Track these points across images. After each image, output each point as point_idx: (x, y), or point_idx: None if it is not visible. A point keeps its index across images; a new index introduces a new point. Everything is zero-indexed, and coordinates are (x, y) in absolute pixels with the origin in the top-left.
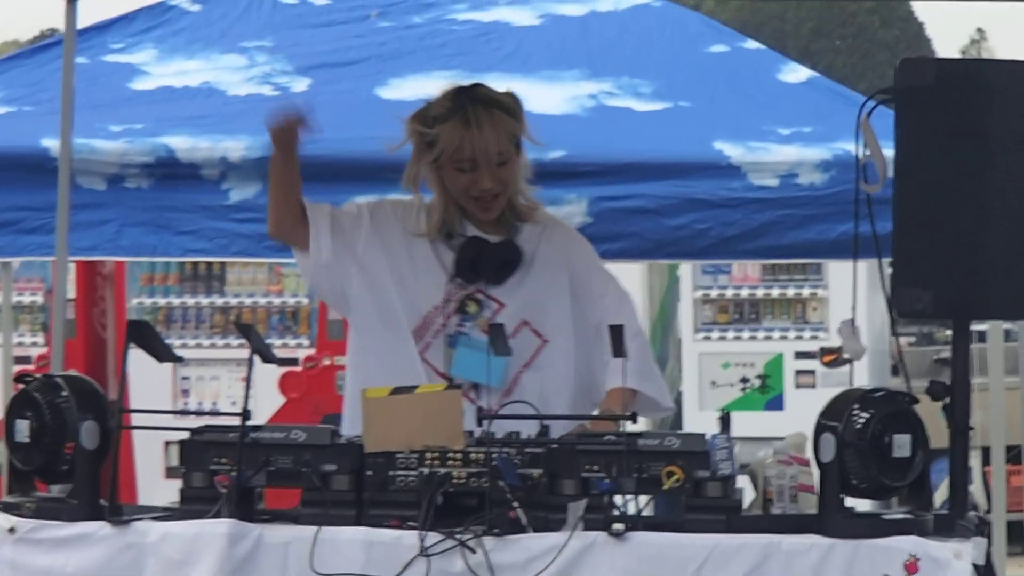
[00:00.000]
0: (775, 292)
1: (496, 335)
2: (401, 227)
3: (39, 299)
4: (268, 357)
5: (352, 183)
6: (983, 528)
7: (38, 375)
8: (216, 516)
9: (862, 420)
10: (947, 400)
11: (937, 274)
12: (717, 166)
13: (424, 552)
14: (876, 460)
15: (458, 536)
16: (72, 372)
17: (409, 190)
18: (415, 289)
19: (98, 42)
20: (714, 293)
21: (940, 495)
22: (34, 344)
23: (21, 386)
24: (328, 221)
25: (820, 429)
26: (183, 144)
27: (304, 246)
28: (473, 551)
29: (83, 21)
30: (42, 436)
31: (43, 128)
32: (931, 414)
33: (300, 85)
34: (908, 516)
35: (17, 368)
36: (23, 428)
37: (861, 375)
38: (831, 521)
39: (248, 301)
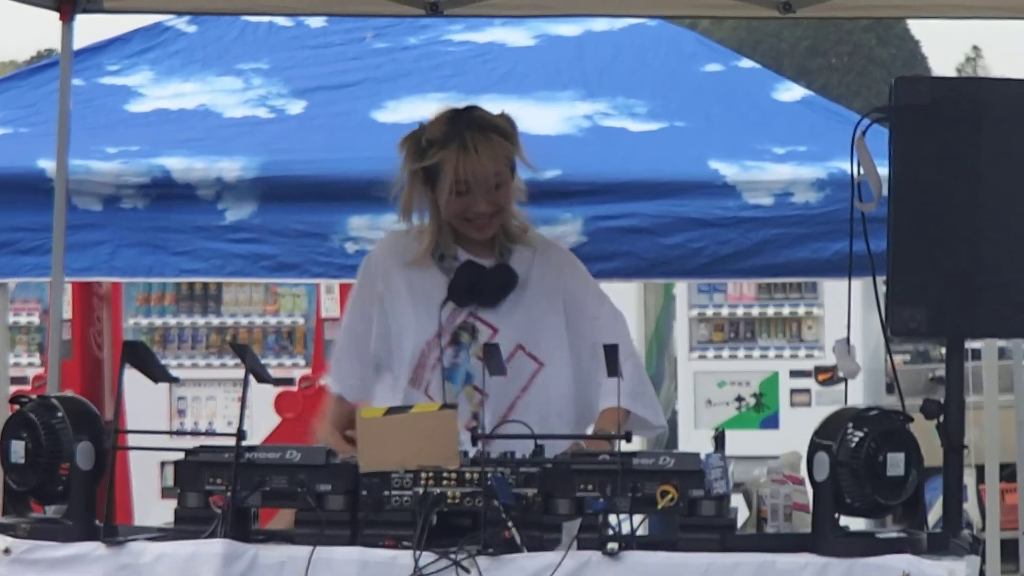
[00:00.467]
0: (770, 311)
1: (491, 355)
2: (395, 261)
3: (35, 320)
4: (263, 377)
5: (347, 202)
6: (977, 546)
7: (34, 396)
8: (211, 536)
9: (856, 439)
10: (941, 418)
11: (932, 293)
12: (712, 185)
13: (418, 572)
14: (870, 479)
15: (452, 556)
16: (68, 393)
17: (406, 221)
18: (413, 324)
19: (94, 63)
20: (709, 312)
21: (935, 513)
22: (30, 365)
23: (17, 407)
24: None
25: (814, 448)
26: (179, 165)
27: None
28: (468, 571)
29: (79, 42)
30: (38, 457)
31: (39, 149)
32: (925, 432)
33: (296, 107)
34: (902, 534)
35: (13, 389)
36: (19, 449)
37: (856, 394)
38: (825, 540)
39: (244, 321)
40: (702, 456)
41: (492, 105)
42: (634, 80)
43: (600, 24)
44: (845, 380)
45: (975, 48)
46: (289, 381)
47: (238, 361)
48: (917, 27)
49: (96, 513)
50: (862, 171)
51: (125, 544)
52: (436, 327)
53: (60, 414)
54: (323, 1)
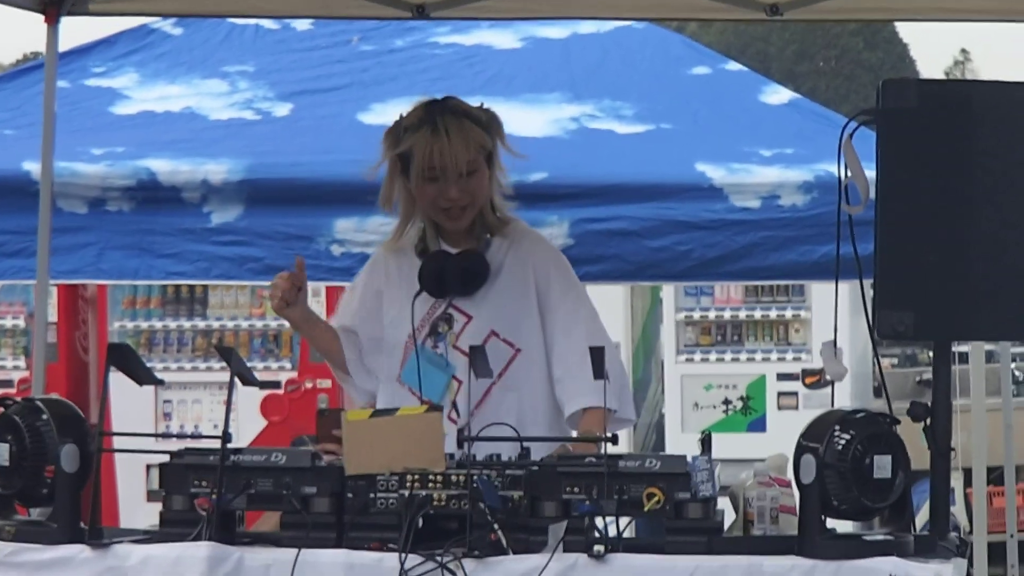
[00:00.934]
0: (757, 314)
1: (477, 357)
2: (392, 256)
3: (21, 323)
4: (249, 380)
5: (333, 205)
6: (964, 549)
7: (18, 399)
8: (196, 539)
9: (843, 441)
10: (928, 421)
11: (919, 296)
12: (699, 188)
13: (404, 575)
14: (857, 481)
15: (439, 558)
16: (53, 396)
17: (386, 210)
18: (397, 319)
19: (79, 66)
20: (696, 315)
21: (922, 517)
22: (16, 368)
23: (1, 409)
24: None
25: (801, 450)
26: (164, 167)
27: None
28: (454, 573)
29: (65, 44)
30: (22, 460)
31: (25, 152)
32: (913, 436)
33: (282, 110)
34: (889, 537)
35: None
36: (3, 452)
37: (843, 397)
38: (812, 542)
39: (230, 324)
40: (689, 459)
41: None
42: (621, 83)
43: (587, 27)
44: (832, 383)
45: (963, 51)
46: (275, 384)
47: (224, 364)
48: (905, 30)
49: (81, 516)
50: (849, 174)
51: (110, 546)
52: (412, 319)
53: (45, 417)
54: (309, 4)
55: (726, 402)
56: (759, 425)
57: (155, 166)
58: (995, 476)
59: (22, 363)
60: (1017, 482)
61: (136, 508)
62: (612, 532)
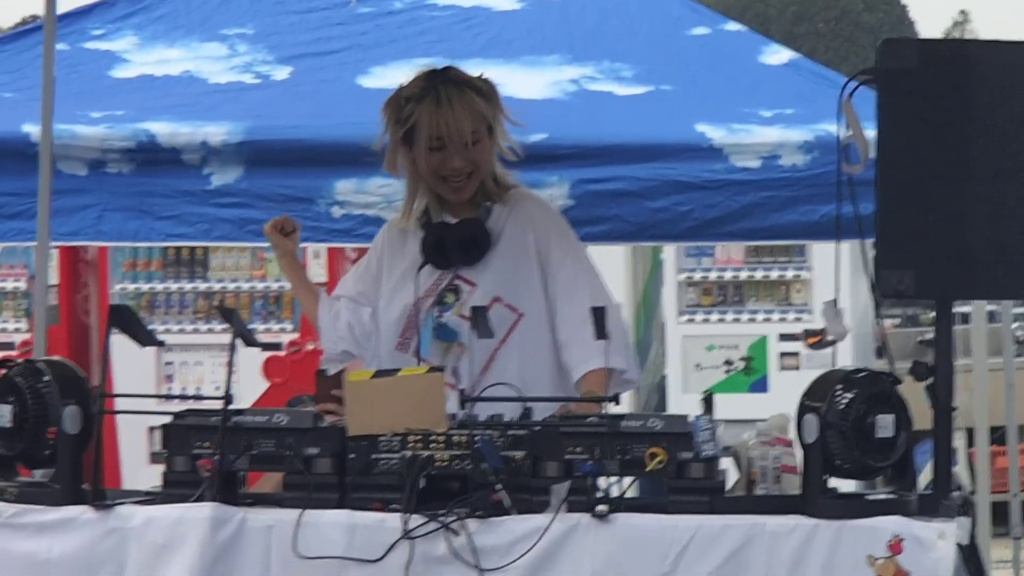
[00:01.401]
0: (759, 274)
1: (478, 318)
2: (397, 233)
3: (22, 285)
4: (251, 341)
5: (334, 166)
6: (967, 508)
7: (20, 360)
8: (199, 500)
9: (845, 401)
10: (930, 381)
11: (920, 255)
12: (699, 148)
13: (407, 535)
14: (859, 441)
15: (441, 519)
16: (55, 357)
17: (391, 173)
18: (400, 289)
19: (78, 28)
20: (698, 276)
21: (925, 477)
22: (17, 330)
23: (3, 371)
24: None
25: (803, 410)
26: (164, 129)
27: None
28: (456, 534)
29: (63, 7)
30: (24, 421)
31: (24, 114)
32: (915, 396)
33: (281, 74)
34: (892, 496)
35: (0, 354)
36: (5, 413)
37: (845, 357)
38: (815, 502)
39: (231, 286)
40: (691, 419)
41: (477, 70)
42: (620, 44)
43: None
44: (834, 343)
45: (963, 12)
46: (277, 346)
47: (225, 326)
48: None
49: (83, 477)
50: (849, 133)
51: (113, 508)
52: (416, 290)
53: (47, 378)
54: None
55: (728, 362)
56: (761, 385)
57: (155, 128)
58: (997, 436)
59: (23, 325)
60: (1020, 442)
61: (138, 470)
62: (614, 492)
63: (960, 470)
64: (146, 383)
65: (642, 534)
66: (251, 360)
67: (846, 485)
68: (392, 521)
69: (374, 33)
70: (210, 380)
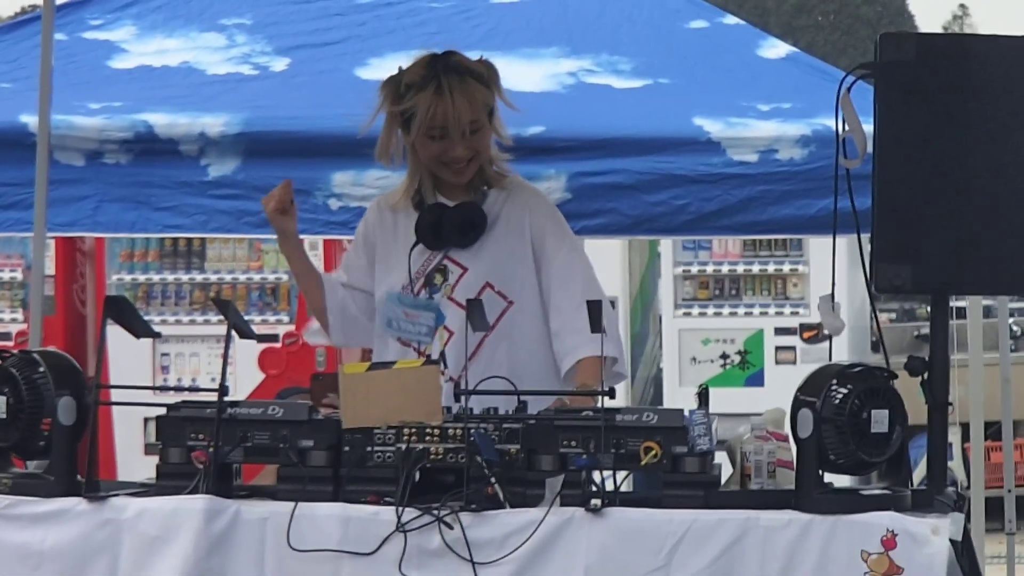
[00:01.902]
0: (755, 268)
1: (474, 310)
2: (388, 211)
3: (18, 275)
4: (246, 333)
5: (331, 158)
6: (961, 504)
7: (15, 351)
8: (193, 492)
9: (840, 395)
10: (926, 376)
11: (916, 250)
12: (696, 142)
13: (401, 528)
14: (854, 435)
15: (435, 512)
16: (50, 348)
17: (383, 163)
18: (392, 269)
19: (76, 18)
20: (694, 269)
21: (919, 471)
22: (13, 320)
23: None
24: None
25: (798, 405)
26: (162, 120)
27: None
28: (450, 527)
29: None
30: (19, 412)
31: (22, 104)
32: (910, 391)
33: (280, 65)
34: (886, 492)
35: None
36: (0, 404)
37: (841, 351)
38: (809, 497)
39: (228, 277)
40: (686, 412)
41: None
42: (618, 37)
43: None
44: (830, 337)
45: (962, 6)
46: (273, 338)
47: (221, 317)
48: None
49: (78, 468)
50: (847, 128)
51: (107, 499)
52: (408, 270)
53: (42, 369)
54: None
55: (724, 356)
56: (757, 379)
57: (152, 119)
58: (993, 431)
59: (20, 316)
60: (1015, 437)
61: (133, 461)
62: (609, 486)
63: (955, 465)
64: (142, 374)
65: (636, 528)
66: (247, 352)
67: (841, 480)
68: (386, 514)
69: (373, 24)
70: (206, 371)
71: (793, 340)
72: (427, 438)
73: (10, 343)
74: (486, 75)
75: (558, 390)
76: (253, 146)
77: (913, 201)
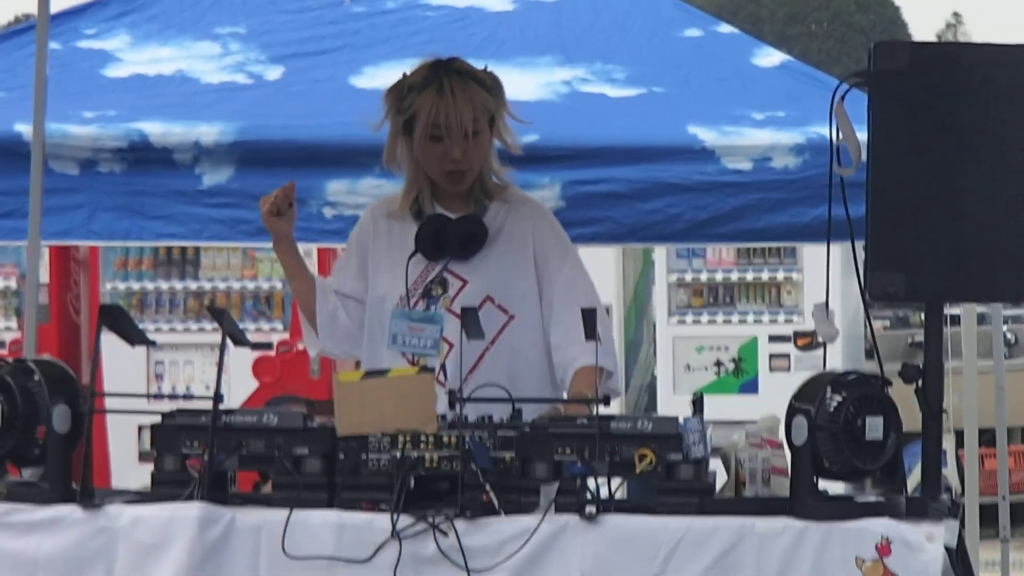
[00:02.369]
0: (749, 276)
1: (468, 319)
2: (383, 218)
3: (12, 284)
4: (240, 341)
5: (325, 167)
6: (956, 511)
7: (10, 359)
8: (188, 500)
9: (835, 403)
10: (920, 383)
11: (910, 258)
12: (691, 150)
13: (396, 535)
14: (849, 443)
15: (430, 519)
16: (44, 356)
17: (390, 168)
18: (389, 279)
19: (71, 27)
20: (688, 277)
21: (914, 479)
22: (7, 329)
23: None
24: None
25: (792, 412)
26: (156, 129)
27: None
28: (445, 534)
29: (56, 5)
30: (14, 420)
31: (16, 113)
32: (905, 398)
33: (274, 74)
34: (881, 499)
35: None
36: None
37: (835, 358)
38: (804, 504)
39: (222, 286)
40: (680, 420)
41: None
42: (613, 45)
43: None
44: (824, 345)
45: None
46: (267, 346)
47: (216, 325)
48: None
49: (73, 476)
50: (841, 136)
51: (102, 507)
52: (405, 280)
53: (37, 377)
54: None
55: (718, 364)
56: (751, 387)
57: (147, 128)
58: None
59: (14, 324)
60: (1009, 444)
61: (128, 469)
62: (604, 493)
63: (949, 472)
64: (136, 382)
65: (631, 535)
66: (241, 360)
67: (835, 487)
68: (381, 521)
69: (367, 32)
70: (200, 379)
71: (787, 348)
72: (422, 446)
73: (4, 351)
74: (489, 82)
75: (551, 398)
76: (247, 155)
77: (907, 209)
